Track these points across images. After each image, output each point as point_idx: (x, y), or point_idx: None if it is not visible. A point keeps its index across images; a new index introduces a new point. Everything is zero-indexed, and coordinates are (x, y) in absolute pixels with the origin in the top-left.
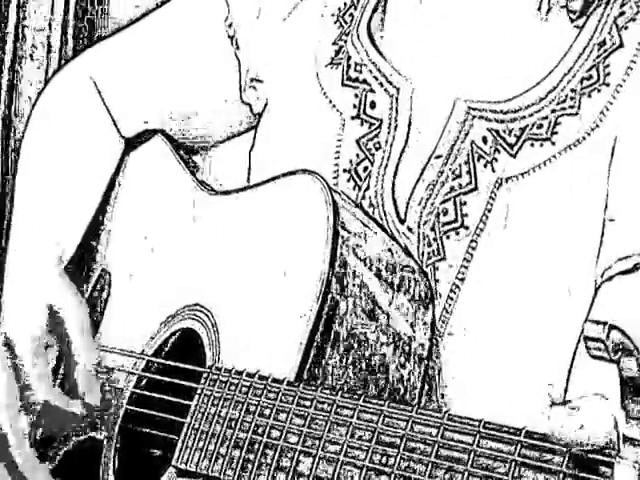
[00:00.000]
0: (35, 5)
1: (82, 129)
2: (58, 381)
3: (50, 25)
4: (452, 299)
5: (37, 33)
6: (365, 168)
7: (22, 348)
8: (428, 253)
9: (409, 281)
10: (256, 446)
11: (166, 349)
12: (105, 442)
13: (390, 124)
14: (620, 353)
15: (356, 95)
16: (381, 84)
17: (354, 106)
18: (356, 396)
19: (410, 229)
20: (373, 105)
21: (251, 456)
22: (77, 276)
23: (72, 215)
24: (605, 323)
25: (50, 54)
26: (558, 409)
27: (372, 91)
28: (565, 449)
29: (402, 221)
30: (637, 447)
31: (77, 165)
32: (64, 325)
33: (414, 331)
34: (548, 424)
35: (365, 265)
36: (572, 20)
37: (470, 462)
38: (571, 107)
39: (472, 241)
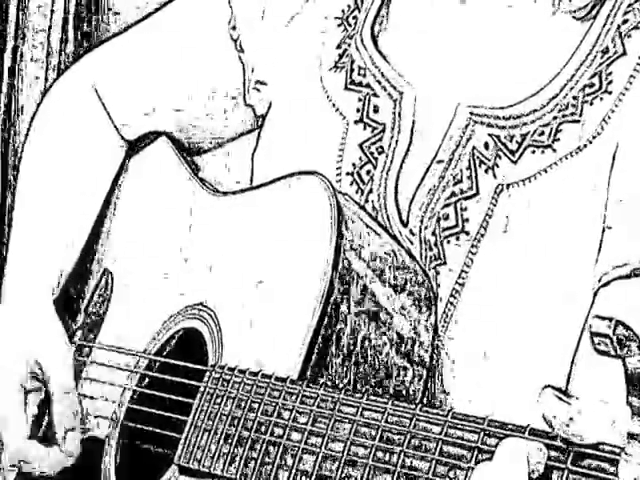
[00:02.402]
0: (35, 5)
1: (83, 135)
2: (43, 426)
3: (50, 25)
4: (452, 304)
5: (37, 33)
6: (368, 172)
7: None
8: (430, 257)
9: (411, 283)
10: (259, 444)
11: (169, 348)
12: (106, 441)
13: (393, 128)
14: (626, 349)
15: (359, 99)
16: (384, 88)
17: (357, 110)
18: (359, 394)
19: (412, 233)
20: (376, 109)
21: (254, 454)
22: (66, 309)
23: (75, 220)
24: (611, 319)
25: (50, 54)
26: (549, 391)
27: (375, 95)
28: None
29: (405, 224)
30: None
31: (78, 171)
32: (46, 370)
33: (416, 332)
34: (538, 404)
35: (368, 266)
36: (578, 19)
37: (474, 459)
38: (573, 114)
39: (472, 246)
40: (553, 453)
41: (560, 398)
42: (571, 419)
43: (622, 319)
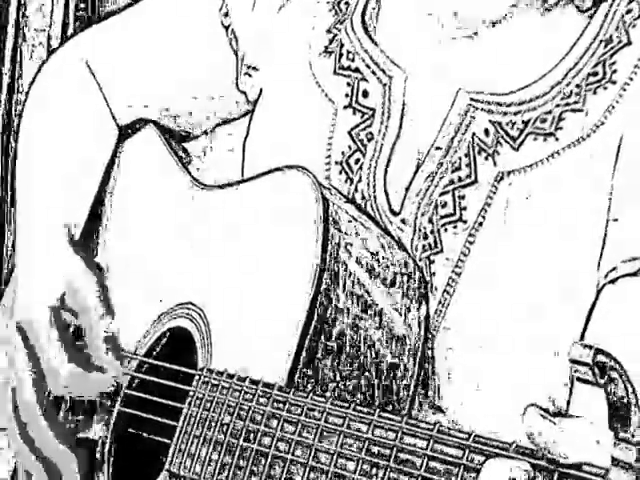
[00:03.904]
0: (35, 5)
1: (78, 114)
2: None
3: (50, 25)
4: (448, 293)
5: (37, 33)
6: (357, 160)
7: (39, 323)
8: (424, 246)
9: (402, 277)
10: (247, 453)
11: (158, 348)
12: (99, 443)
13: (383, 113)
14: (607, 377)
15: (348, 84)
16: (374, 72)
17: (346, 95)
18: (346, 404)
19: (404, 221)
20: (365, 94)
21: (242, 463)
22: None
23: (72, 206)
24: (591, 347)
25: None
26: (532, 410)
27: (364, 80)
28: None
29: (395, 213)
30: (625, 469)
31: (74, 154)
32: (81, 294)
33: (408, 327)
34: (522, 423)
35: (357, 261)
36: (581, 11)
37: (460, 476)
38: (576, 103)
39: (470, 235)
40: (538, 473)
41: (544, 417)
42: (555, 438)
43: (602, 347)
